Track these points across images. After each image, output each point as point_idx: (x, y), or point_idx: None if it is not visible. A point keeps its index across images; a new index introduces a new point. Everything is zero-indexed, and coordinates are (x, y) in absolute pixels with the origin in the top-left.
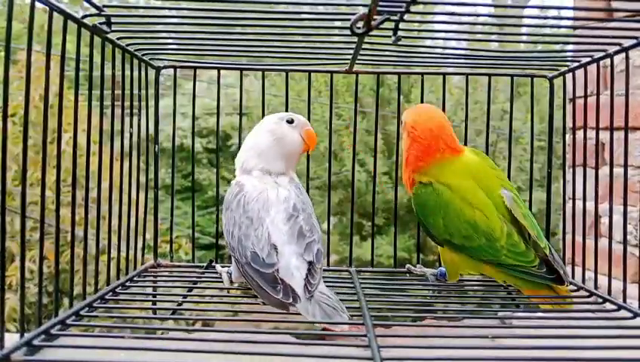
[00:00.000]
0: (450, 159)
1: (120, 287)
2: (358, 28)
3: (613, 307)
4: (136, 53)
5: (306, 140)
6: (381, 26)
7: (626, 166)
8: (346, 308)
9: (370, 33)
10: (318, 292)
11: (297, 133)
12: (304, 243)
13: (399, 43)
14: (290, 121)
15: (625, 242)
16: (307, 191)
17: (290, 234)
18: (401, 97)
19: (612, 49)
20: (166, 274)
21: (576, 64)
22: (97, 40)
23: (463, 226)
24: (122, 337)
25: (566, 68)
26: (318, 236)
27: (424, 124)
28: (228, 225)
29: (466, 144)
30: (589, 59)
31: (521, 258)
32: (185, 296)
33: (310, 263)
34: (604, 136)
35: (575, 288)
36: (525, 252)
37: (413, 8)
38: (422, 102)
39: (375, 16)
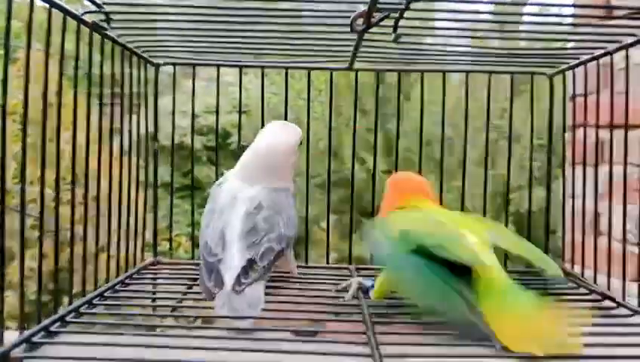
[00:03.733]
0: None
1: (119, 285)
2: (358, 25)
3: (613, 304)
4: (135, 50)
5: None
6: (381, 24)
7: (625, 164)
8: (346, 305)
9: (370, 30)
10: (247, 290)
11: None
12: (252, 239)
13: (399, 40)
14: (301, 143)
15: (624, 240)
16: (307, 189)
17: (242, 229)
18: (401, 95)
19: (612, 47)
20: (166, 271)
21: (576, 62)
22: (97, 37)
23: None
24: (122, 334)
25: (566, 65)
26: (278, 235)
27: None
28: (203, 213)
29: (465, 143)
30: (589, 56)
31: None
32: (185, 293)
33: (250, 260)
34: (604, 134)
35: (574, 285)
36: None
37: (413, 5)
38: (422, 100)
39: (375, 14)
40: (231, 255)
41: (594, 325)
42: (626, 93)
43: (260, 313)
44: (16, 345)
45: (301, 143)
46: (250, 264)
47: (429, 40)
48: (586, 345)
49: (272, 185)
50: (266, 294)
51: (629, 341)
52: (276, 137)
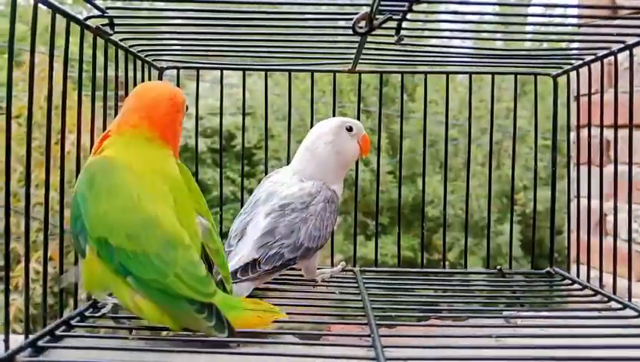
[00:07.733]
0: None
1: None
2: (361, 27)
3: (619, 306)
4: (139, 54)
5: (362, 146)
6: (384, 25)
7: (630, 164)
8: (350, 308)
9: (373, 32)
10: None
11: (355, 141)
12: (266, 241)
13: (402, 42)
14: (350, 129)
15: (630, 240)
16: None
17: (262, 229)
18: (406, 96)
19: (616, 47)
20: None
21: (580, 62)
22: (100, 41)
23: (134, 219)
24: (127, 338)
25: (570, 66)
26: (293, 243)
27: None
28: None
29: (469, 142)
30: (592, 57)
31: (198, 285)
32: None
33: (255, 260)
34: (609, 133)
35: (580, 287)
36: (205, 279)
37: (415, 7)
38: (425, 101)
39: (377, 16)
40: (241, 250)
41: (600, 327)
42: (630, 92)
43: None
44: (21, 349)
45: (350, 130)
46: (253, 263)
47: (432, 42)
48: (593, 347)
49: (319, 184)
50: (269, 297)
51: (636, 342)
52: (318, 124)
